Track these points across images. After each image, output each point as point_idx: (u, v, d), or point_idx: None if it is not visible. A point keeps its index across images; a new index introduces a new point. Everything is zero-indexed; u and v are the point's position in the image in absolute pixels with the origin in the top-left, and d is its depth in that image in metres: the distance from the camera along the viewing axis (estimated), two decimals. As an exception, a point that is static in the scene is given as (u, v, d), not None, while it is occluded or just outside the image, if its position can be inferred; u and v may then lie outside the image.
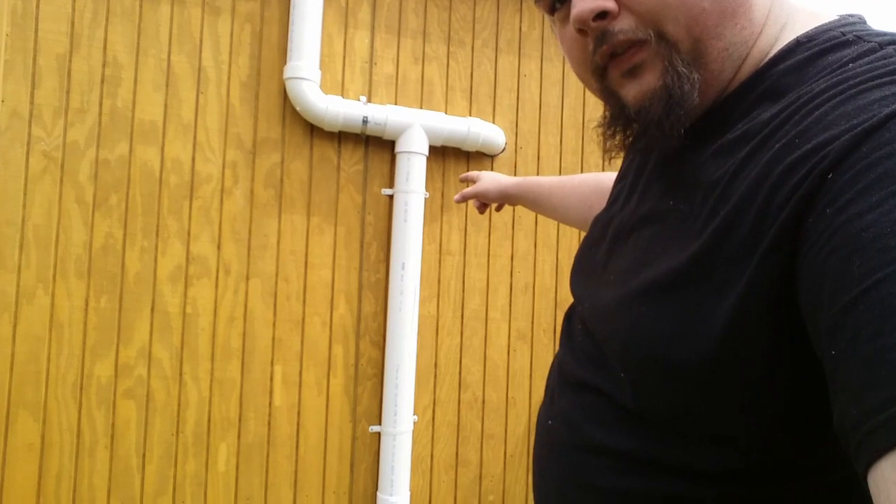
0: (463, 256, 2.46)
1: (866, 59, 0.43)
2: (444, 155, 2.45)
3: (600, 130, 0.56)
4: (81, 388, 2.04)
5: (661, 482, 0.48)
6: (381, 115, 2.25)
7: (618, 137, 0.56)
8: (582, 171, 2.63)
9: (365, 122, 2.23)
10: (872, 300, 0.32)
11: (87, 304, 2.04)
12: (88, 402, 2.04)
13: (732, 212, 0.43)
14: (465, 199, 1.26)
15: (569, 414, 0.58)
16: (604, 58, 0.51)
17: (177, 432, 2.12)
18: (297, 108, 2.20)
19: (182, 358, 2.13)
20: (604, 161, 0.64)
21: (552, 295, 2.58)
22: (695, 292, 0.45)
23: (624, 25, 0.48)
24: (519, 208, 2.54)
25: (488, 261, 2.50)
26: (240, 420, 2.18)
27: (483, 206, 1.28)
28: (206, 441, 2.15)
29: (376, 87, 2.36)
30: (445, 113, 2.43)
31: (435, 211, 2.43)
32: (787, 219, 0.39)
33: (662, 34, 0.47)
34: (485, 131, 2.39)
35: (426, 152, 2.32)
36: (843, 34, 0.47)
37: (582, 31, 0.50)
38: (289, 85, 2.18)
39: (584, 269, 0.65)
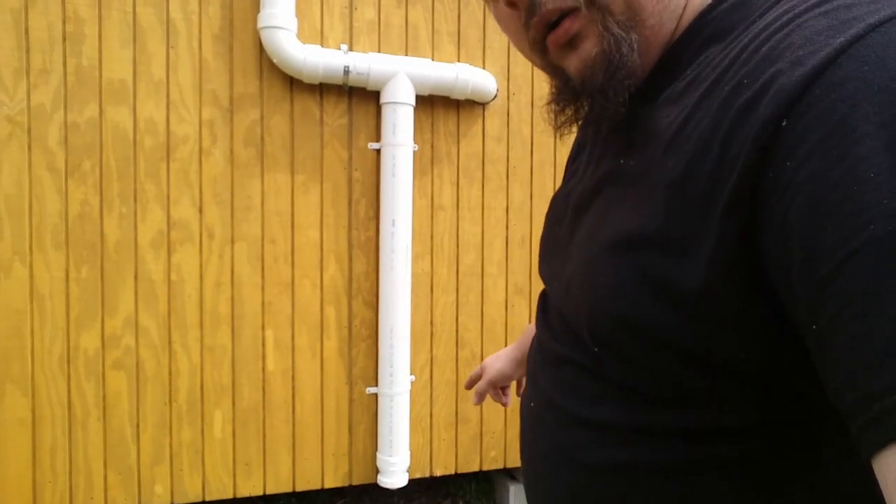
0: (456, 210, 2.37)
1: None
2: (433, 105, 2.33)
3: (549, 108, 0.54)
4: (69, 361, 1.99)
5: (646, 450, 0.47)
6: (364, 63, 2.12)
7: (567, 112, 0.54)
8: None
9: (347, 72, 2.11)
10: (852, 273, 0.31)
11: (67, 275, 1.97)
12: (77, 374, 2.00)
13: (687, 163, 0.41)
14: (482, 398, 1.08)
15: (550, 392, 0.56)
16: (538, 30, 0.49)
17: (170, 401, 2.08)
18: (274, 60, 2.08)
19: (170, 326, 2.07)
20: (555, 138, 0.59)
21: (550, 247, 2.50)
22: (657, 252, 0.43)
23: None
24: (512, 159, 2.43)
25: (482, 214, 2.41)
26: (233, 386, 2.14)
27: (506, 395, 1.11)
28: (201, 409, 2.12)
29: (357, 33, 2.23)
30: (432, 59, 2.30)
31: (425, 164, 2.33)
32: (745, 172, 0.37)
33: (592, 0, 0.45)
34: (474, 78, 2.27)
35: (413, 102, 2.20)
36: None
37: (511, 3, 0.48)
38: (263, 35, 2.05)
39: (550, 249, 0.63)
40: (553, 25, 0.48)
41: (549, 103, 0.54)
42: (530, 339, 1.02)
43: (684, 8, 0.48)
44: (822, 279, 0.33)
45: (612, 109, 0.48)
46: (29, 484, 1.96)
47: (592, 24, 0.46)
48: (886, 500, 0.30)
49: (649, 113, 0.49)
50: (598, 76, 0.47)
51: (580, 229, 0.55)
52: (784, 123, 0.35)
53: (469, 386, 1.11)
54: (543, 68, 0.53)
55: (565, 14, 0.47)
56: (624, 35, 0.46)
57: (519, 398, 0.69)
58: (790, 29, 0.38)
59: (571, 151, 0.69)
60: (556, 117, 0.54)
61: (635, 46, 0.46)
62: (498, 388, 1.08)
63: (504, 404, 1.10)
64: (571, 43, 0.48)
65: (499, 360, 1.07)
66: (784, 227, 0.35)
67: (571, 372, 0.54)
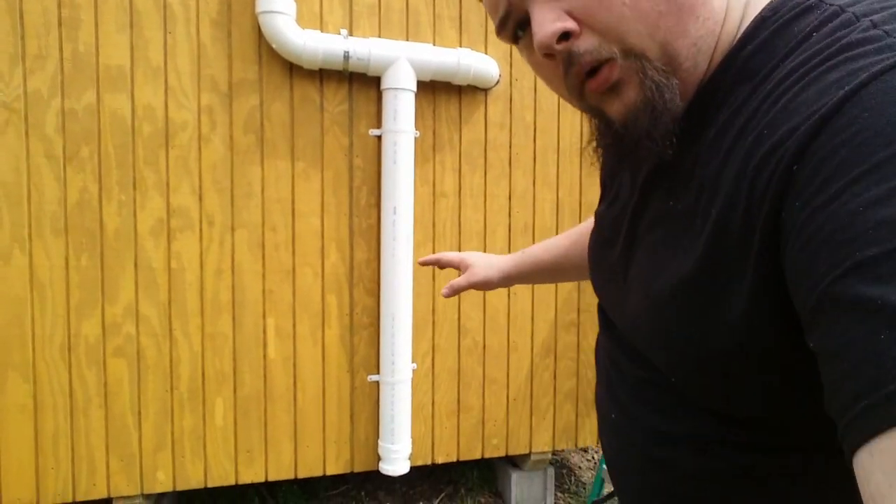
0: (458, 198, 2.35)
1: (828, 29, 0.43)
2: (434, 90, 2.29)
3: (592, 148, 0.57)
4: (69, 349, 1.99)
5: (731, 460, 0.51)
6: (364, 49, 2.09)
7: (609, 150, 0.56)
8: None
9: (347, 57, 2.08)
10: (837, 295, 0.35)
11: (67, 263, 1.97)
12: (78, 361, 2.00)
13: (722, 212, 0.45)
14: (456, 292, 1.04)
15: (634, 409, 0.60)
16: (577, 78, 0.50)
17: (171, 388, 2.08)
18: (273, 46, 2.05)
19: (170, 314, 2.07)
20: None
21: (553, 234, 2.48)
22: (708, 297, 0.47)
23: (588, 45, 0.48)
24: (515, 146, 2.41)
25: (485, 201, 2.39)
26: (234, 374, 2.14)
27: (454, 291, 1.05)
28: (202, 396, 2.12)
29: (357, 18, 2.19)
30: (433, 44, 2.26)
31: (426, 151, 2.30)
32: (767, 218, 0.41)
33: (628, 49, 0.47)
34: (476, 63, 2.23)
35: (414, 88, 2.17)
36: None
37: (549, 55, 0.50)
38: (262, 20, 2.02)
39: (603, 272, 0.67)
40: (591, 72, 0.49)
41: (591, 143, 0.56)
42: (531, 262, 1.01)
43: (715, 48, 0.50)
44: (814, 303, 0.36)
45: (659, 152, 0.50)
46: (32, 471, 1.97)
47: (631, 71, 0.48)
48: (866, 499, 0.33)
49: (691, 154, 0.51)
50: (643, 122, 0.49)
51: (634, 264, 0.58)
52: (795, 168, 0.39)
53: (431, 263, 1.08)
54: (583, 110, 0.55)
55: (601, 62, 0.48)
56: (665, 81, 0.47)
57: (596, 402, 0.73)
58: (805, 83, 0.41)
59: (605, 168, 0.71)
60: (599, 158, 0.57)
61: (677, 91, 0.48)
62: (478, 290, 1.06)
63: (445, 296, 1.05)
64: (612, 89, 0.49)
65: (489, 266, 1.04)
66: (796, 265, 0.38)
67: (653, 393, 0.58)
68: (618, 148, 0.53)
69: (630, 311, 0.58)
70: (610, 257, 0.64)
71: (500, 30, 0.55)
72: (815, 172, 0.37)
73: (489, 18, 2.29)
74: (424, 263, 1.10)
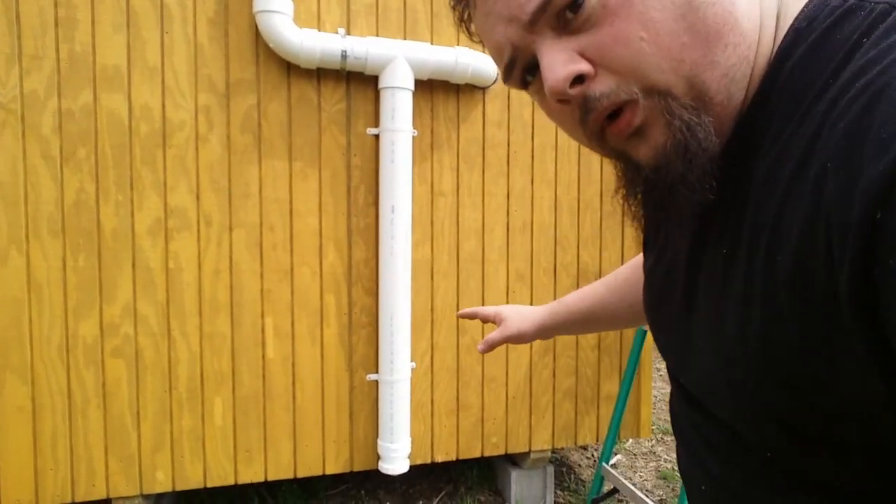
0: (456, 196, 2.35)
1: (881, 31, 0.37)
2: (432, 89, 2.29)
3: (620, 197, 0.51)
4: (67, 349, 1.98)
5: None
6: (362, 48, 2.09)
7: (642, 199, 0.50)
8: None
9: (344, 56, 2.07)
10: None
11: (64, 264, 1.96)
12: (76, 362, 1.99)
13: (795, 261, 0.39)
14: (491, 348, 1.00)
15: (729, 481, 0.54)
16: (596, 124, 0.45)
17: (170, 388, 2.08)
18: (271, 45, 2.05)
19: (169, 314, 2.07)
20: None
21: (551, 233, 2.48)
22: (797, 358, 0.40)
23: (604, 88, 0.43)
24: (513, 144, 2.40)
25: (483, 200, 2.38)
26: (233, 374, 2.14)
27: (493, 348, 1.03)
28: (201, 396, 2.12)
29: (355, 17, 2.19)
30: (431, 43, 2.26)
31: (424, 149, 2.30)
32: (853, 276, 0.34)
33: (650, 88, 0.42)
34: (475, 62, 2.23)
35: (412, 87, 2.17)
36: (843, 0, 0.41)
37: (563, 101, 0.45)
38: (259, 19, 2.01)
39: (665, 333, 0.60)
40: (612, 115, 0.45)
41: (618, 191, 0.51)
42: (566, 311, 0.96)
43: (751, 74, 0.45)
44: None
45: (699, 196, 0.45)
46: (31, 472, 1.97)
47: (656, 112, 0.43)
48: None
49: (740, 193, 0.46)
50: (675, 165, 0.44)
51: (698, 323, 0.52)
52: (878, 217, 0.33)
53: (471, 316, 1.06)
54: (606, 156, 0.50)
55: (620, 105, 0.44)
56: (696, 119, 0.42)
57: (678, 466, 0.67)
58: (867, 102, 0.35)
59: (646, 220, 0.63)
60: (630, 207, 0.51)
61: (711, 129, 0.43)
62: (513, 343, 1.03)
63: (481, 351, 1.03)
64: (637, 132, 0.45)
65: (523, 319, 1.00)
66: None
67: (745, 461, 0.51)
68: (651, 196, 0.48)
69: (703, 377, 0.52)
70: (669, 317, 0.58)
71: (507, 76, 0.49)
72: None
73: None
74: (463, 316, 1.07)
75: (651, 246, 0.64)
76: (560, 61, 0.43)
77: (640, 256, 0.87)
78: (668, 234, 0.59)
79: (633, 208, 0.51)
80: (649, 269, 0.63)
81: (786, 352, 0.41)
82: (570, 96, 0.44)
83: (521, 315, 1.00)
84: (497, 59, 0.49)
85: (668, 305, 0.58)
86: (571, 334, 1.05)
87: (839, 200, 0.35)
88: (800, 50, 0.42)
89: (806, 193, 0.38)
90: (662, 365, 4.81)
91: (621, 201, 0.51)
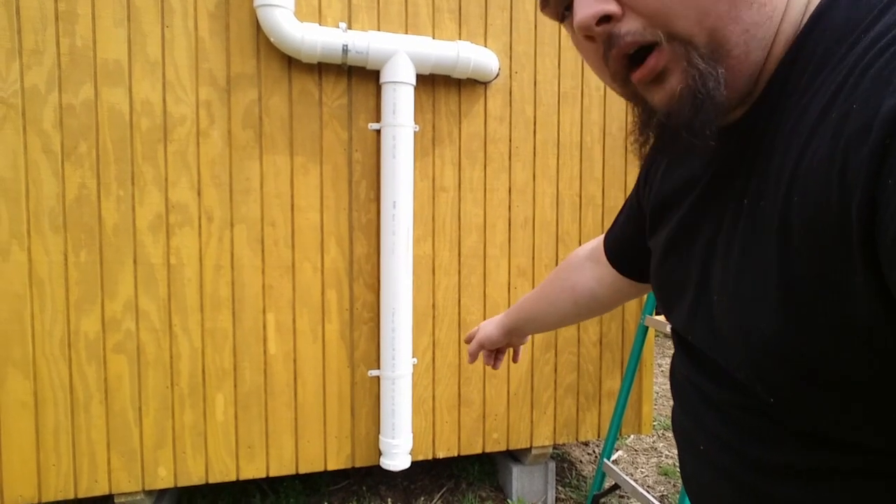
0: (458, 192, 2.34)
1: None
2: (434, 84, 2.28)
3: (632, 138, 0.54)
4: (69, 345, 1.98)
5: (836, 487, 0.48)
6: (363, 42, 2.08)
7: (653, 143, 0.53)
8: (582, 95, 2.47)
9: (345, 50, 2.07)
10: None
11: (66, 259, 1.96)
12: (78, 357, 1.99)
13: (813, 201, 0.40)
14: (474, 357, 1.13)
15: (725, 436, 0.56)
16: (618, 61, 0.48)
17: (171, 384, 2.08)
18: (272, 39, 2.04)
19: (170, 310, 2.06)
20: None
21: (553, 228, 2.47)
22: (818, 301, 0.41)
23: (630, 27, 0.46)
24: (515, 139, 2.40)
25: (485, 195, 2.38)
26: (235, 370, 2.14)
27: (497, 360, 1.15)
28: (203, 392, 2.11)
29: (356, 11, 2.18)
30: (432, 37, 2.25)
31: (426, 144, 2.29)
32: (863, 200, 0.36)
33: (673, 34, 0.45)
34: (476, 56, 2.22)
35: (413, 82, 2.16)
36: None
37: (589, 37, 0.48)
38: (260, 13, 2.00)
39: (674, 288, 0.62)
40: (635, 59, 0.47)
41: (632, 133, 0.54)
42: (524, 309, 1.04)
43: (775, 35, 0.47)
44: None
45: (700, 144, 0.47)
46: (33, 467, 1.97)
47: (676, 58, 0.46)
48: None
49: (762, 146, 0.48)
50: (685, 111, 0.46)
51: (717, 273, 0.53)
52: (888, 142, 0.35)
53: (467, 341, 1.16)
54: (625, 97, 0.53)
55: (645, 48, 0.46)
56: (710, 70, 0.45)
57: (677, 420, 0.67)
58: (893, 52, 0.37)
59: (659, 188, 0.67)
60: (640, 148, 0.54)
61: (722, 80, 0.45)
62: (488, 350, 1.12)
63: (492, 367, 1.15)
64: (657, 78, 0.48)
65: (491, 324, 1.10)
66: (890, 244, 0.34)
67: (747, 418, 0.53)
68: (660, 139, 0.51)
69: (717, 328, 0.53)
70: (681, 275, 0.60)
71: (544, 5, 0.53)
72: None
73: (489, 10, 2.29)
74: (473, 359, 1.14)
75: (667, 207, 0.64)
76: (590, 1, 0.46)
77: (581, 250, 0.96)
78: (682, 194, 0.60)
79: (640, 149, 0.54)
80: (668, 238, 0.63)
81: (804, 288, 0.42)
82: (595, 33, 0.47)
83: (491, 322, 1.10)
84: None
85: (681, 261, 0.60)
86: (534, 333, 1.15)
87: (858, 134, 0.37)
88: (835, 9, 0.45)
89: (826, 136, 0.40)
90: (664, 361, 4.81)
91: (633, 141, 0.54)
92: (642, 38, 0.45)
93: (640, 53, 0.47)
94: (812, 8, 0.47)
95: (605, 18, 0.46)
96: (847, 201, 0.37)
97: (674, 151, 0.55)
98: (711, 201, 0.55)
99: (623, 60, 0.48)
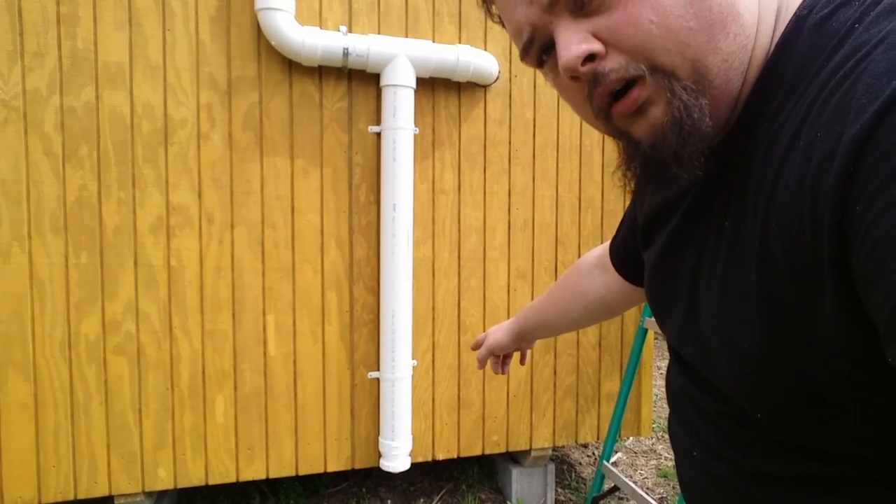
0: (457, 194, 2.35)
1: (872, 18, 0.40)
2: (434, 87, 2.29)
3: (619, 173, 0.55)
4: (70, 346, 1.99)
5: (832, 496, 0.48)
6: (363, 45, 2.09)
7: (638, 175, 0.54)
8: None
9: (346, 54, 2.08)
10: None
11: (66, 261, 1.97)
12: (78, 359, 2.00)
13: (787, 226, 0.42)
14: (483, 363, 1.15)
15: (720, 447, 0.57)
16: (602, 99, 0.49)
17: (171, 386, 2.09)
18: (273, 43, 2.05)
19: (170, 311, 2.07)
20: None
21: (552, 231, 2.48)
22: (794, 321, 0.43)
23: (614, 64, 0.46)
24: (514, 142, 2.40)
25: (484, 198, 2.39)
26: (235, 371, 2.14)
27: (505, 365, 1.16)
28: (203, 393, 2.12)
29: (357, 14, 2.19)
30: (433, 41, 2.26)
31: (426, 147, 2.30)
32: (832, 227, 0.38)
33: (656, 66, 0.45)
34: (476, 59, 2.23)
35: (413, 85, 2.17)
36: None
37: (574, 78, 0.49)
38: (261, 17, 2.01)
39: (667, 308, 0.64)
40: (618, 94, 0.48)
41: (619, 168, 0.54)
42: (533, 314, 1.06)
43: (749, 62, 0.48)
44: (888, 315, 0.34)
45: (687, 174, 0.48)
46: (33, 468, 1.97)
47: (659, 90, 0.46)
48: None
49: (740, 170, 0.49)
50: (670, 142, 0.47)
51: (703, 295, 0.55)
52: (851, 169, 0.36)
53: (474, 348, 1.18)
54: (609, 134, 0.53)
55: (630, 82, 0.47)
56: (693, 101, 0.46)
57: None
58: (855, 77, 0.38)
59: (648, 204, 0.68)
60: (627, 182, 0.55)
61: (706, 111, 0.46)
62: (496, 356, 1.14)
63: (500, 372, 1.16)
64: (639, 110, 0.48)
65: (500, 330, 1.12)
66: (864, 273, 0.36)
67: (737, 429, 0.54)
68: (647, 171, 0.52)
69: (705, 346, 0.55)
70: (670, 292, 0.62)
71: (525, 54, 0.53)
72: (874, 172, 0.35)
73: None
74: (483, 365, 1.16)
75: (655, 228, 0.67)
76: (574, 41, 0.46)
77: (589, 257, 0.98)
78: (669, 211, 0.62)
79: (630, 182, 0.55)
80: (657, 255, 0.66)
81: (780, 310, 0.44)
82: (581, 73, 0.47)
83: (500, 328, 1.12)
84: (516, 38, 0.52)
85: (669, 282, 0.62)
86: (546, 337, 1.15)
87: (823, 162, 0.39)
88: (801, 36, 0.46)
89: (796, 163, 0.42)
90: (663, 363, 4.81)
91: (620, 177, 0.54)
92: (626, 73, 0.46)
93: (623, 88, 0.47)
94: (779, 34, 0.48)
95: (590, 58, 0.47)
96: (818, 227, 0.39)
97: (661, 182, 0.56)
98: (694, 223, 0.57)
99: (606, 98, 0.48)
